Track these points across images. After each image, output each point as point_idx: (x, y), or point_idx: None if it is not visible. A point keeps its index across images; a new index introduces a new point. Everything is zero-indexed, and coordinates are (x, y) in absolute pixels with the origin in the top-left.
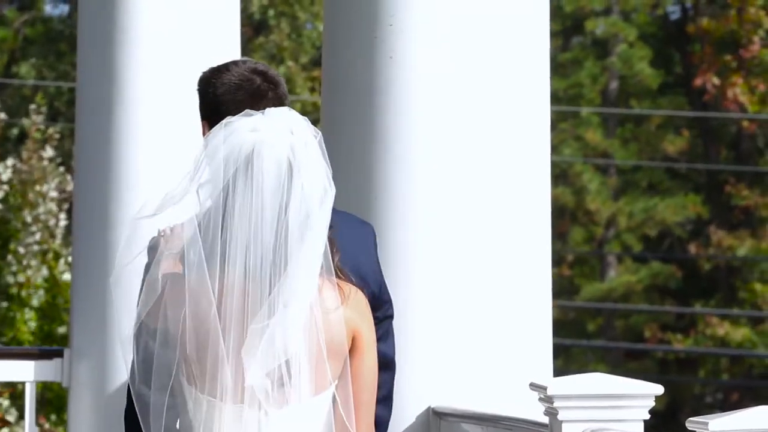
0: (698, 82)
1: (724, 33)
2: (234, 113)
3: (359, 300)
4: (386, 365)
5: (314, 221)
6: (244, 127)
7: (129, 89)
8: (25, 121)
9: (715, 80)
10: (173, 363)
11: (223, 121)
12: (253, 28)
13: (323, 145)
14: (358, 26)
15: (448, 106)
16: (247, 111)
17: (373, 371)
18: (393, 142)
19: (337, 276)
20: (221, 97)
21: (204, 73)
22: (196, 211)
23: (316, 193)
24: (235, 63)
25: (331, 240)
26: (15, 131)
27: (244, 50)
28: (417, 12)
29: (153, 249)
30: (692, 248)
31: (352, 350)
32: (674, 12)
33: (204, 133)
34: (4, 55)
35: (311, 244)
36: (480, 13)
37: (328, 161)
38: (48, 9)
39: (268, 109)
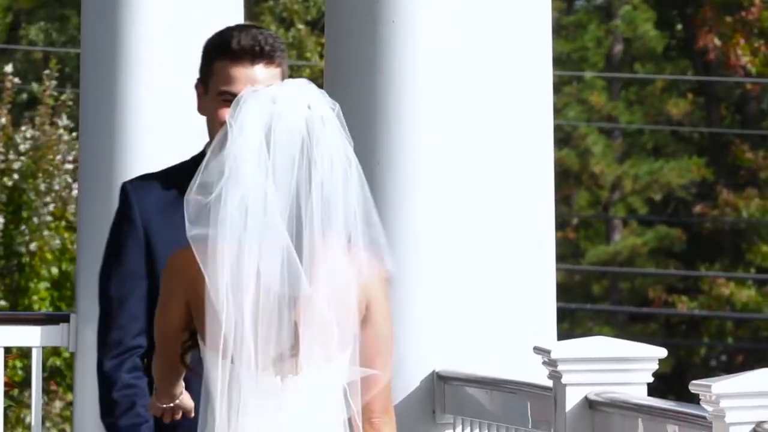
0: (700, 43)
1: None
2: None
3: (372, 268)
4: None
5: (335, 196)
6: (264, 98)
7: (133, 54)
8: (35, 86)
9: (717, 42)
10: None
11: (246, 91)
12: None
13: (342, 117)
14: None
15: (450, 68)
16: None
17: (388, 337)
18: (395, 106)
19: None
20: None
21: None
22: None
23: (336, 170)
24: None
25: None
26: (24, 96)
27: (252, 12)
28: None
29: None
30: (699, 209)
31: (365, 318)
32: None
33: None
34: (8, 17)
35: (332, 210)
36: None
37: (348, 133)
38: None
39: (286, 80)
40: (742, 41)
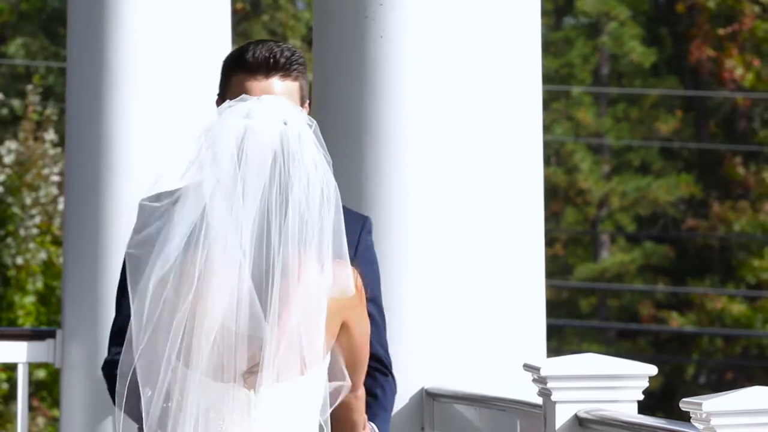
0: (694, 54)
1: (719, 8)
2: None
3: (348, 283)
4: None
5: (311, 215)
6: (238, 113)
7: (120, 68)
8: (15, 102)
9: (711, 52)
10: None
11: (222, 106)
12: (251, 5)
13: (319, 133)
14: (349, 5)
15: (439, 84)
16: (243, 96)
17: (363, 346)
18: (383, 121)
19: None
20: None
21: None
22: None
23: (313, 188)
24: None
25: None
26: (5, 111)
27: (241, 29)
28: None
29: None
30: (689, 224)
31: (342, 332)
32: None
33: None
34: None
35: (309, 228)
36: None
37: (326, 149)
38: None
39: (263, 96)
40: (735, 52)
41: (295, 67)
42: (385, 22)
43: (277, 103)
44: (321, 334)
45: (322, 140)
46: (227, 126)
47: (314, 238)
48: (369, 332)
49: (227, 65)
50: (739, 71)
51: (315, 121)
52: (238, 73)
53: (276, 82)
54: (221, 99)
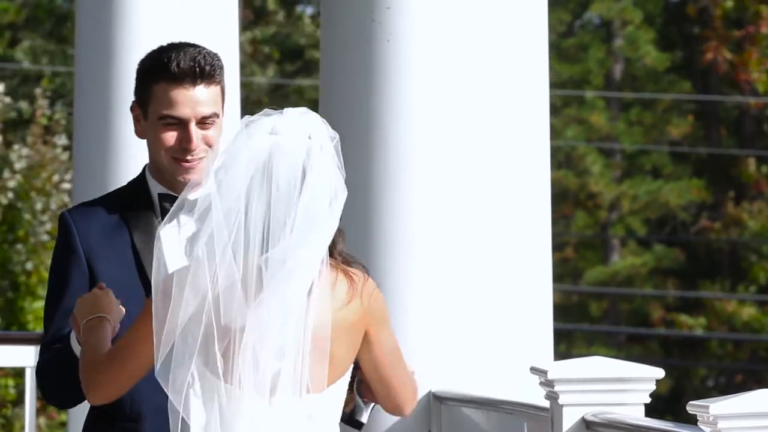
0: (708, 56)
1: (735, 10)
2: None
3: (368, 290)
4: None
5: (321, 222)
6: (263, 129)
7: (127, 71)
8: (22, 105)
9: (728, 54)
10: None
11: (243, 120)
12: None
13: (339, 147)
14: (356, 9)
15: (446, 89)
16: (266, 110)
17: (394, 349)
18: (391, 125)
19: (344, 262)
20: None
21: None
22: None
23: (325, 194)
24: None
25: (340, 230)
26: (12, 114)
27: (246, 46)
28: None
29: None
30: (701, 225)
31: (369, 340)
32: None
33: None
34: (6, 34)
35: (316, 243)
36: None
37: (343, 164)
38: None
39: (287, 109)
40: (754, 55)
41: (217, 71)
42: (392, 25)
43: (301, 116)
44: (339, 349)
45: (341, 153)
46: (249, 146)
47: (325, 249)
48: (398, 350)
49: (146, 73)
50: (755, 74)
51: (338, 135)
52: (161, 82)
53: (201, 90)
54: (140, 107)
